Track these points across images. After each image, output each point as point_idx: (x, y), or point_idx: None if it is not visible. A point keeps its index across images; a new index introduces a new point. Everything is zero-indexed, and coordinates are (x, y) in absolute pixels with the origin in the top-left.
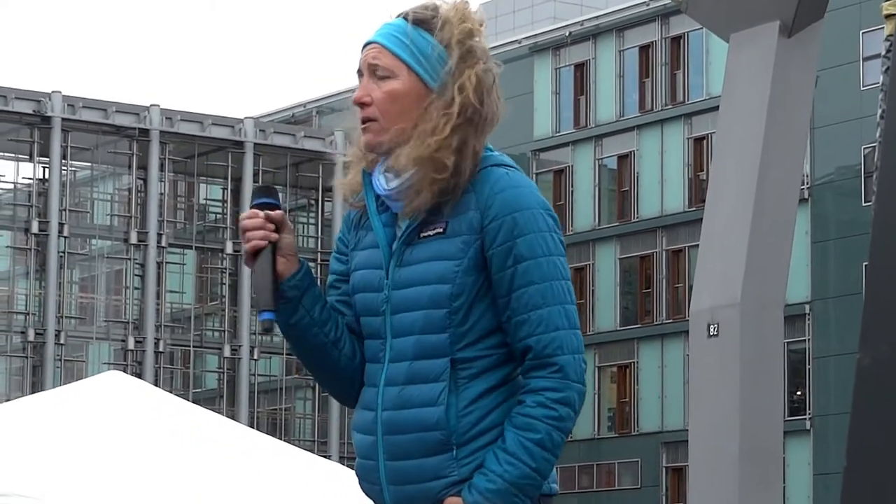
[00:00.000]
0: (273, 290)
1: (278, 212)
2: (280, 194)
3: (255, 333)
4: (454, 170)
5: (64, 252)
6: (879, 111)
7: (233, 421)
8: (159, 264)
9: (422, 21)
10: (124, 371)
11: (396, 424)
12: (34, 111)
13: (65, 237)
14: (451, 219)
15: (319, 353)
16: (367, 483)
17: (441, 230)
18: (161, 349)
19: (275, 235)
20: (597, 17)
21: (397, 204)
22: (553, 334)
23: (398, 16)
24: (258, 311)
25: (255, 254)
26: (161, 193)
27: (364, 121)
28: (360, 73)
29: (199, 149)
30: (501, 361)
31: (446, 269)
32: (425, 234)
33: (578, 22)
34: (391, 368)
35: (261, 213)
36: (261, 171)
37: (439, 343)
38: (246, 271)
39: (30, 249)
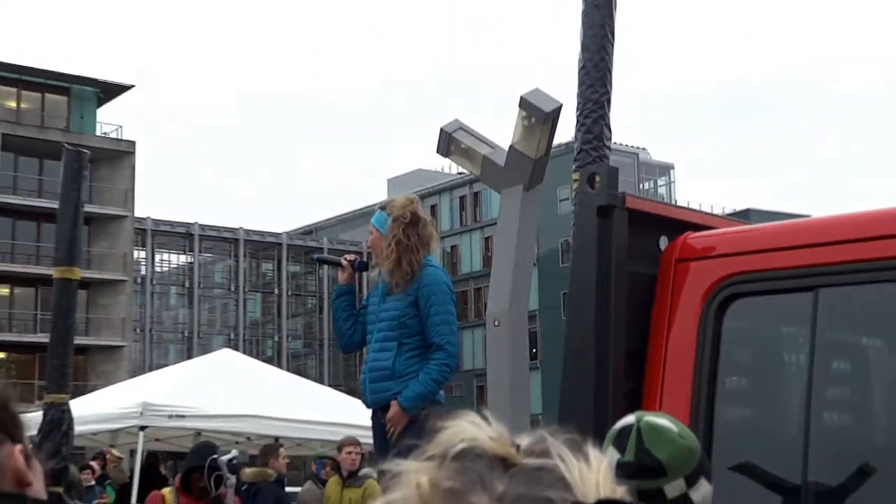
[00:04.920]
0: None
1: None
2: None
3: None
4: (411, 272)
5: None
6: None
7: None
8: None
9: (383, 208)
10: None
11: (372, 368)
12: None
13: None
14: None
15: (340, 322)
16: (363, 396)
17: (400, 292)
18: None
19: (345, 263)
20: None
21: (386, 284)
22: (444, 335)
23: (379, 208)
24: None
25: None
26: None
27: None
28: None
29: None
30: (422, 346)
31: (398, 306)
32: (390, 294)
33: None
34: (373, 346)
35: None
36: None
37: (393, 335)
38: None
39: None
